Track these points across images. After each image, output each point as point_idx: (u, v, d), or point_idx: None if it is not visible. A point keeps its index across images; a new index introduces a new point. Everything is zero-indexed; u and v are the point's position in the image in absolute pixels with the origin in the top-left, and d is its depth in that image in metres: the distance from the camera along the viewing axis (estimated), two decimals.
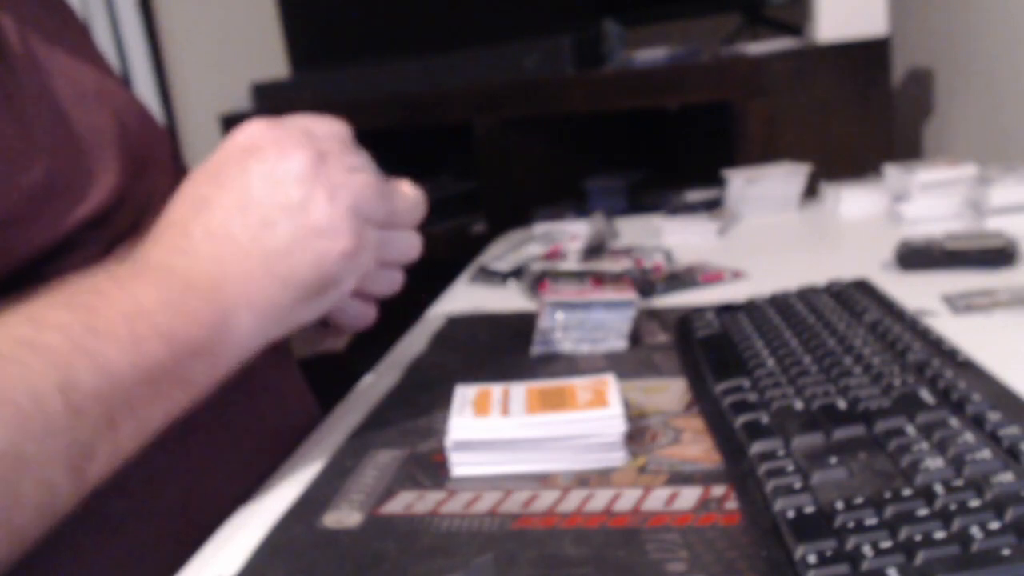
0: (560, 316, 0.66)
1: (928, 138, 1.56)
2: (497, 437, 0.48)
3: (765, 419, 0.45)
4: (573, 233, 0.99)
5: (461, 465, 0.48)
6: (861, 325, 0.57)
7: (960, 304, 0.65)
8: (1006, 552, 0.31)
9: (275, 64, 2.20)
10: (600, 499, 0.43)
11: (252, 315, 0.47)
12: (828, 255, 0.94)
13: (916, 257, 0.76)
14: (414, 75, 1.85)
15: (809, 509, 0.36)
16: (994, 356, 0.50)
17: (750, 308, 0.65)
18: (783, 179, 1.08)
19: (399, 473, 0.49)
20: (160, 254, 0.46)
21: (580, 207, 1.65)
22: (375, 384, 0.65)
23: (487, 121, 1.72)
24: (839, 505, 0.35)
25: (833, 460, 0.40)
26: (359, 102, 1.90)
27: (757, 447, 0.42)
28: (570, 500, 0.44)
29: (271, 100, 2.10)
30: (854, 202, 1.02)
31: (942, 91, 1.50)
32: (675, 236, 1.00)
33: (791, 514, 0.36)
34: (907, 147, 1.58)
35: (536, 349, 0.66)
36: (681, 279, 0.81)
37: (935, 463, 0.37)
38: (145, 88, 2.09)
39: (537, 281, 0.77)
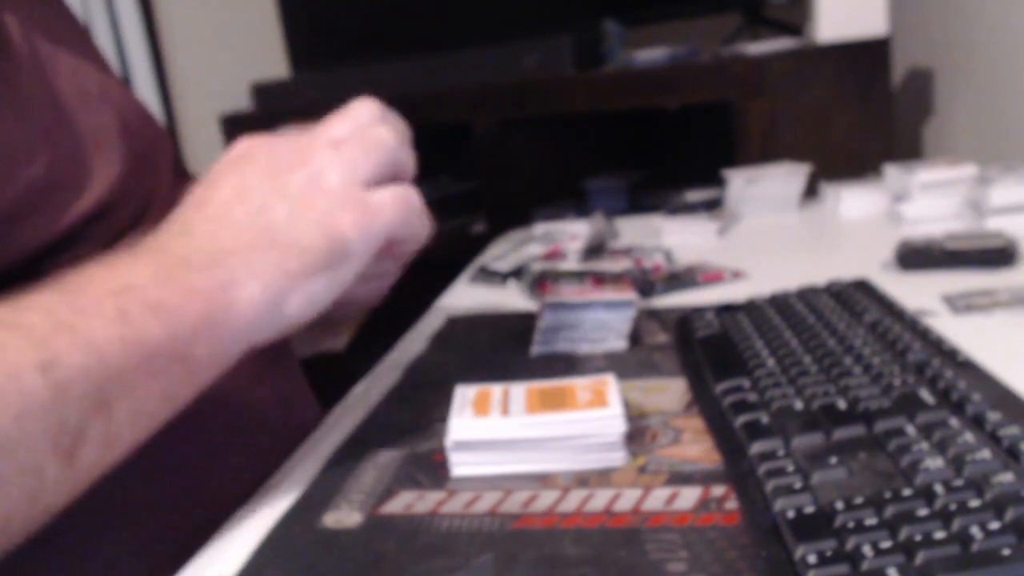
0: (560, 316, 0.66)
1: (928, 138, 1.56)
2: (497, 437, 0.48)
3: (765, 419, 0.45)
4: (573, 233, 0.99)
5: (461, 465, 0.48)
6: (861, 325, 0.57)
7: (960, 304, 0.65)
8: (1006, 552, 0.31)
9: (275, 64, 2.20)
10: (600, 499, 0.43)
11: (258, 284, 0.44)
12: (828, 255, 0.94)
13: (916, 257, 0.76)
14: (414, 75, 1.85)
15: (809, 509, 0.36)
16: (994, 356, 0.50)
17: (750, 308, 0.65)
18: (783, 179, 1.08)
19: (399, 473, 0.49)
20: (155, 239, 0.46)
21: (580, 207, 1.65)
22: (375, 384, 0.65)
23: (487, 121, 1.72)
24: (839, 505, 0.35)
25: (833, 460, 0.40)
26: None
27: (757, 447, 0.42)
28: (570, 500, 0.44)
29: (271, 100, 2.10)
30: (854, 202, 1.02)
31: (942, 91, 1.50)
32: (675, 236, 1.00)
33: (791, 514, 0.36)
34: (907, 147, 1.58)
35: (536, 349, 0.66)
36: (681, 279, 0.81)
37: (935, 463, 0.37)
38: (145, 88, 2.09)
39: (537, 281, 0.77)
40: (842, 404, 0.45)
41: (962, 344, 0.51)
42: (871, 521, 0.34)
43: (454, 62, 1.80)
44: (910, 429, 0.41)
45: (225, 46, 2.20)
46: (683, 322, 0.65)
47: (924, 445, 0.39)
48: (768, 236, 1.00)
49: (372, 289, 0.56)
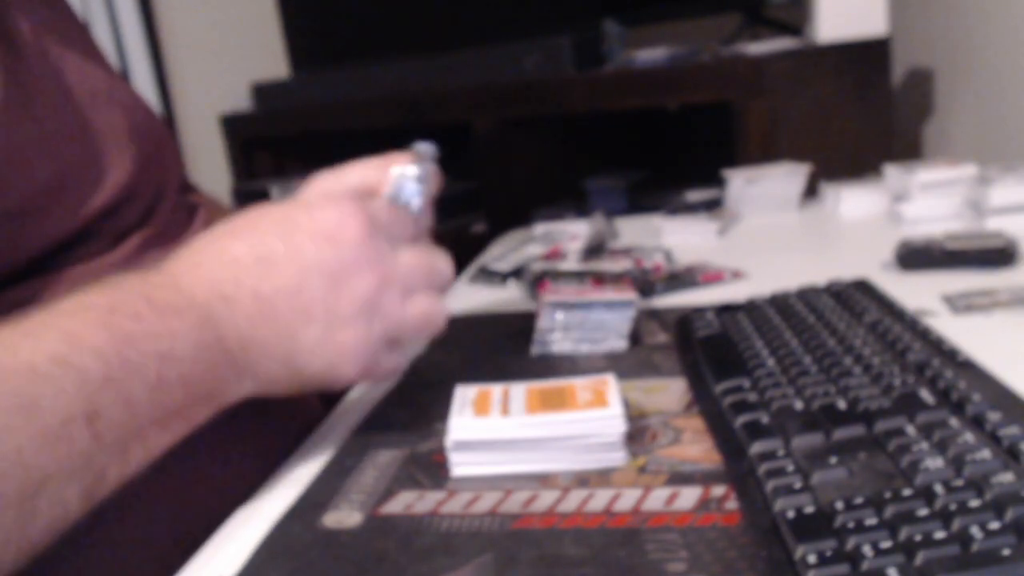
0: (560, 316, 0.66)
1: (928, 138, 1.56)
2: (497, 437, 0.48)
3: (765, 419, 0.45)
4: (573, 233, 0.99)
5: (461, 465, 0.48)
6: (861, 325, 0.57)
7: (960, 304, 0.65)
8: (1006, 552, 0.31)
9: (275, 64, 2.20)
10: (600, 499, 0.43)
11: (254, 385, 0.49)
12: (828, 255, 0.94)
13: (916, 257, 0.76)
14: (414, 75, 1.85)
15: (809, 509, 0.36)
16: (994, 356, 0.50)
17: (750, 308, 0.65)
18: (783, 179, 1.08)
19: (399, 473, 0.49)
20: (205, 294, 0.47)
21: (580, 207, 1.65)
22: (375, 384, 0.65)
23: (487, 121, 1.72)
24: (839, 505, 0.35)
25: (833, 460, 0.40)
26: (359, 102, 1.91)
27: (757, 447, 0.42)
28: (570, 500, 0.44)
29: (271, 100, 2.10)
30: (854, 202, 1.02)
31: (942, 91, 1.50)
32: (675, 236, 1.00)
33: (791, 514, 0.36)
34: (907, 147, 1.58)
35: (536, 349, 0.66)
36: (681, 279, 0.81)
37: (935, 463, 0.37)
38: (145, 88, 2.09)
39: (537, 281, 0.77)
40: (842, 404, 0.45)
41: (962, 344, 0.51)
42: (871, 521, 0.34)
43: (454, 62, 1.80)
44: (910, 429, 0.41)
45: (225, 46, 2.20)
46: (683, 322, 0.65)
47: (924, 445, 0.39)
48: (768, 236, 1.00)
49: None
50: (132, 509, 0.48)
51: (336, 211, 0.49)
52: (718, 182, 1.12)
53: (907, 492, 0.35)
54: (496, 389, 0.52)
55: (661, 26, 1.76)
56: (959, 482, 0.35)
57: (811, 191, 1.10)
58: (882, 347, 0.52)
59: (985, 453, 0.37)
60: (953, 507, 0.33)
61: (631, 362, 0.62)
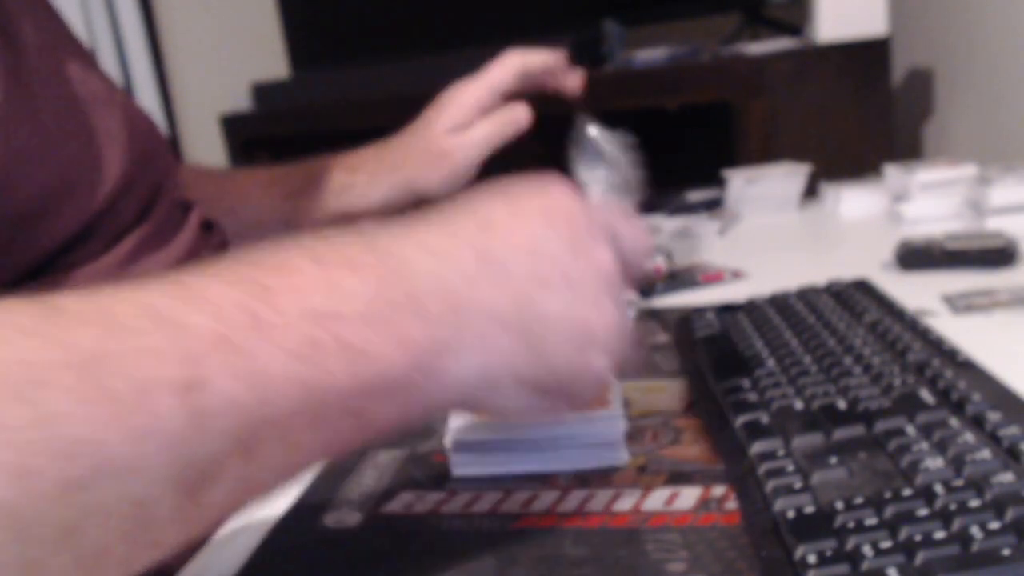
0: None
1: (928, 138, 1.56)
2: (497, 437, 0.48)
3: (765, 419, 0.45)
4: None
5: (461, 465, 0.48)
6: (861, 325, 0.57)
7: (960, 304, 0.65)
8: (1006, 552, 0.31)
9: (275, 64, 2.20)
10: (600, 499, 0.43)
11: (479, 363, 0.36)
12: (828, 255, 0.94)
13: (916, 257, 0.76)
14: (414, 75, 1.85)
15: (809, 509, 0.36)
16: (994, 356, 0.50)
17: (750, 308, 0.65)
18: (783, 179, 1.08)
19: (399, 473, 0.49)
20: (395, 242, 0.36)
21: None
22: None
23: None
24: (839, 505, 0.35)
25: (833, 460, 0.40)
26: (359, 102, 1.90)
27: (757, 447, 0.42)
28: (570, 500, 0.44)
29: (271, 100, 2.10)
30: (854, 202, 1.02)
31: (942, 91, 1.50)
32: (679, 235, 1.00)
33: (791, 514, 0.36)
34: (907, 147, 1.58)
35: None
36: (681, 279, 0.81)
37: (935, 463, 0.37)
38: (145, 88, 2.09)
39: None
40: (842, 404, 0.45)
41: (962, 344, 0.51)
42: (871, 521, 0.34)
43: (454, 62, 1.79)
44: (910, 429, 0.41)
45: (225, 46, 2.20)
46: (683, 322, 0.65)
47: (924, 445, 0.39)
48: (768, 236, 1.00)
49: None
50: None
51: (550, 192, 0.41)
52: (718, 182, 1.12)
53: (907, 492, 0.35)
54: None
55: (661, 26, 1.76)
56: (959, 482, 0.35)
57: (811, 191, 1.10)
58: (882, 347, 0.52)
59: (985, 453, 0.37)
60: (953, 507, 0.33)
61: (631, 362, 0.62)
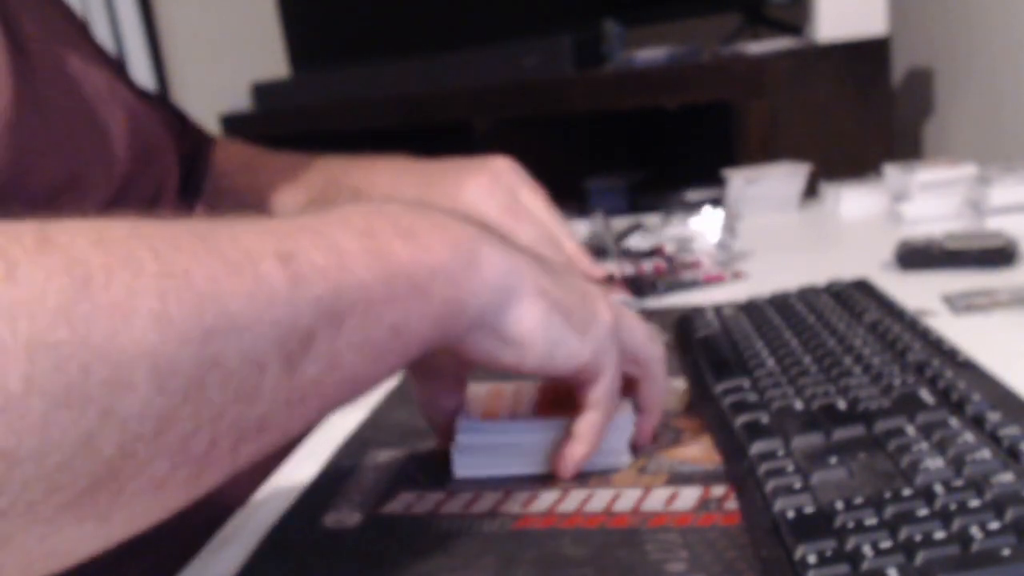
0: None
1: (928, 138, 1.56)
2: (502, 442, 0.47)
3: (765, 419, 0.45)
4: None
5: (465, 467, 0.48)
6: (861, 325, 0.57)
7: (960, 304, 0.65)
8: (1006, 552, 0.31)
9: (275, 64, 2.20)
10: (600, 499, 0.43)
11: (504, 261, 0.40)
12: (828, 255, 0.94)
13: (916, 257, 0.76)
14: (414, 75, 1.85)
15: (809, 509, 0.36)
16: (994, 356, 0.50)
17: (750, 308, 0.65)
18: (783, 179, 1.08)
19: (399, 473, 0.49)
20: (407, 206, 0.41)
21: (580, 207, 1.65)
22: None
23: (487, 121, 1.72)
24: (839, 505, 0.35)
25: (833, 460, 0.40)
26: (359, 102, 1.91)
27: (757, 447, 0.42)
28: (570, 500, 0.44)
29: (271, 100, 2.10)
30: (854, 202, 1.02)
31: (942, 91, 1.50)
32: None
33: (791, 514, 0.36)
34: (907, 147, 1.58)
35: None
36: (681, 279, 0.81)
37: (935, 463, 0.37)
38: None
39: None
40: (842, 404, 0.45)
41: (962, 344, 0.51)
42: (871, 521, 0.34)
43: (454, 62, 1.80)
44: (910, 429, 0.41)
45: (225, 46, 2.20)
46: (683, 322, 0.65)
47: (924, 445, 0.39)
48: (768, 236, 1.00)
49: None
50: None
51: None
52: (718, 182, 1.12)
53: (907, 492, 0.35)
54: (508, 387, 0.52)
55: (661, 26, 1.76)
56: (959, 482, 0.35)
57: (811, 191, 1.10)
58: (882, 347, 0.52)
59: (985, 453, 0.37)
60: (953, 507, 0.33)
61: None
